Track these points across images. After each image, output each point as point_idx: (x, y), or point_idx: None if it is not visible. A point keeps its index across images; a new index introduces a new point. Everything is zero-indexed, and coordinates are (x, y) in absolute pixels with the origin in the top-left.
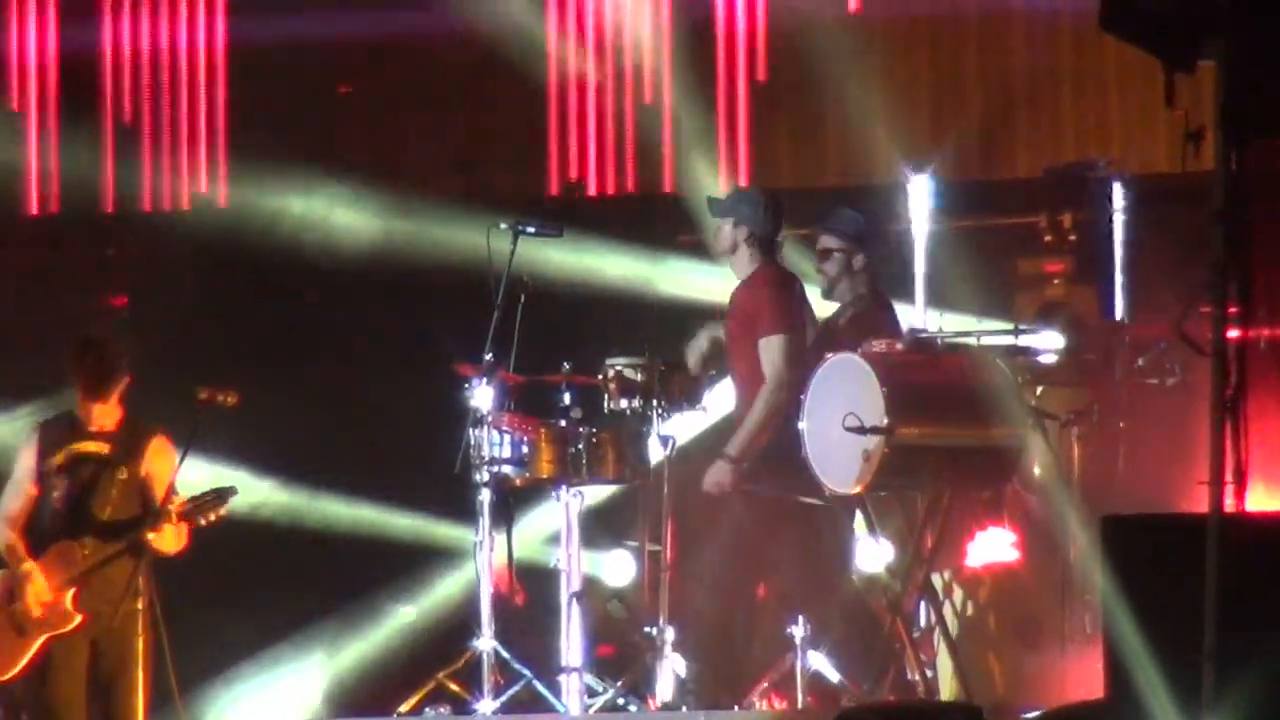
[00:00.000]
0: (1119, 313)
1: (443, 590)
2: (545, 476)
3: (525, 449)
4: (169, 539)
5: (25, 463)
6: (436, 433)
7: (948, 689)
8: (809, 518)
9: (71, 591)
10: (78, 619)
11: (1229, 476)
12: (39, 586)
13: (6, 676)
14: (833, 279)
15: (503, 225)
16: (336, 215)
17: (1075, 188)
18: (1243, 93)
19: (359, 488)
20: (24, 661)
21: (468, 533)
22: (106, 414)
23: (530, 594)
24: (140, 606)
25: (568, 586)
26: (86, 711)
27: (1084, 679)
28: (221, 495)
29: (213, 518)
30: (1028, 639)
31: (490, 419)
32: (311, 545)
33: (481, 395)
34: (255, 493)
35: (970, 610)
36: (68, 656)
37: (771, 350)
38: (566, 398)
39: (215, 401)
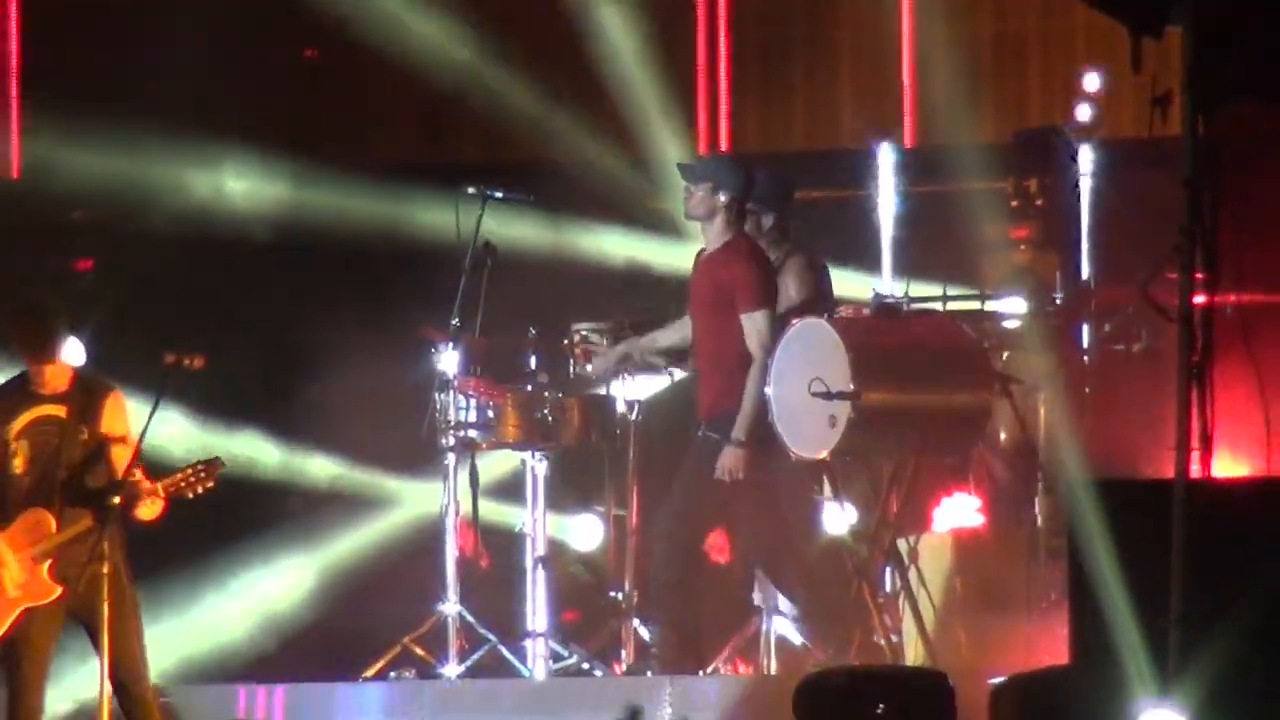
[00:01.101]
0: (1085, 278)
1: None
2: (511, 441)
3: (491, 414)
4: (149, 509)
5: None
6: (403, 397)
7: (913, 654)
8: (772, 482)
9: (48, 563)
10: (57, 591)
11: (1195, 442)
12: (11, 565)
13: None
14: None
15: (470, 190)
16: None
17: (1042, 153)
18: (1209, 58)
19: (326, 447)
20: (1, 631)
21: (434, 493)
22: (58, 375)
23: (495, 558)
24: (105, 570)
25: (533, 551)
26: (47, 672)
27: (1050, 644)
28: (210, 468)
29: (200, 490)
30: (993, 604)
31: (456, 383)
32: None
33: (448, 360)
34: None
35: (936, 575)
36: (42, 627)
37: (756, 324)
38: (533, 362)
39: (182, 365)
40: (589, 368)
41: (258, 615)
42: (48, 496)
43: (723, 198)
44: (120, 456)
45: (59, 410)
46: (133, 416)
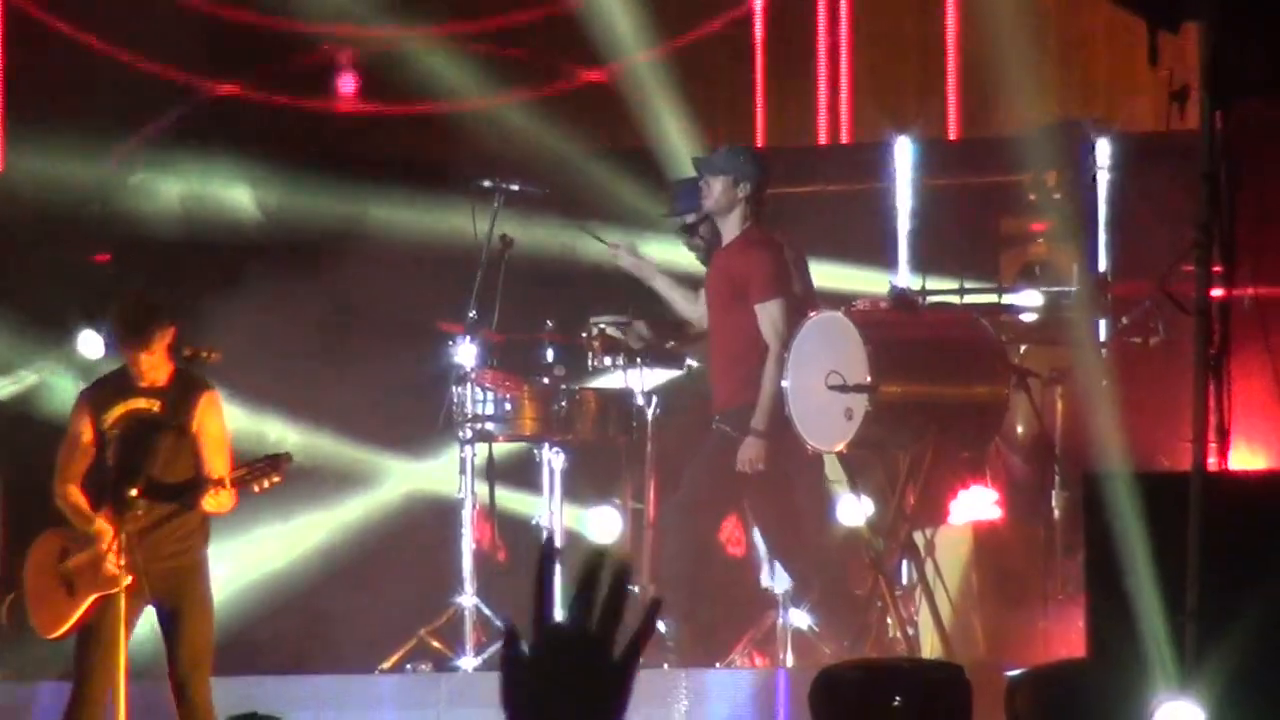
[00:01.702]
0: (1102, 271)
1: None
2: (528, 434)
3: (508, 406)
4: (223, 502)
5: (79, 425)
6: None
7: (929, 647)
8: (787, 474)
9: (119, 551)
10: (127, 580)
11: (1212, 434)
12: (106, 544)
13: (55, 635)
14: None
15: (486, 183)
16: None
17: (1060, 147)
18: (1227, 52)
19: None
20: (72, 621)
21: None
22: (156, 369)
23: (512, 551)
24: (183, 565)
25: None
26: (123, 662)
27: (1067, 637)
28: (276, 462)
29: (267, 484)
30: (1010, 597)
31: (473, 376)
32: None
33: (465, 353)
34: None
35: (952, 568)
36: (113, 617)
37: (770, 314)
38: (550, 355)
39: (199, 358)
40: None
41: (270, 603)
42: (131, 488)
43: (742, 190)
44: (213, 454)
45: (153, 404)
46: (226, 416)
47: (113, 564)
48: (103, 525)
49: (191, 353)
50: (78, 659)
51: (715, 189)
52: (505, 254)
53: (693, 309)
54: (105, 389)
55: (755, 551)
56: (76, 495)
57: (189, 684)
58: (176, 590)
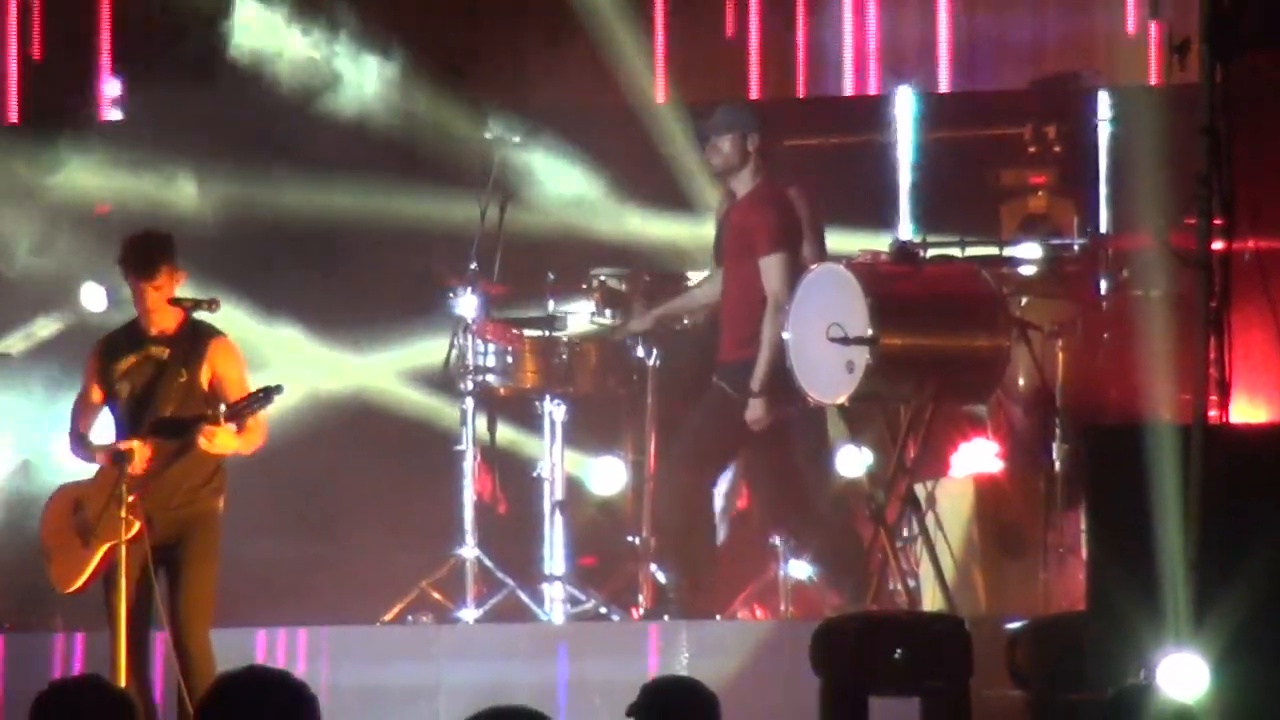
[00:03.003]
0: (1103, 225)
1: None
2: (529, 386)
3: (509, 359)
4: (223, 440)
5: (89, 376)
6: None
7: (930, 599)
8: (786, 427)
9: (130, 498)
10: (136, 526)
11: (1213, 387)
12: (111, 492)
13: (73, 588)
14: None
15: (489, 134)
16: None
17: (1061, 99)
18: (1228, 6)
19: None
20: (88, 572)
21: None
22: (167, 318)
23: (513, 503)
24: (213, 506)
25: (550, 495)
26: (148, 613)
27: (1067, 590)
28: (267, 393)
29: (261, 416)
30: (1011, 549)
31: (474, 328)
32: None
33: (466, 304)
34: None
35: (954, 521)
36: (132, 560)
37: (771, 269)
38: (551, 307)
39: (201, 307)
40: (630, 324)
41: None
42: (139, 434)
43: (751, 143)
44: (231, 398)
45: (162, 351)
46: (241, 362)
47: (119, 512)
48: (108, 470)
49: (192, 304)
50: (109, 610)
51: (724, 147)
52: (506, 205)
53: (713, 288)
54: (116, 340)
55: (760, 507)
56: (86, 440)
57: (186, 634)
58: (181, 539)
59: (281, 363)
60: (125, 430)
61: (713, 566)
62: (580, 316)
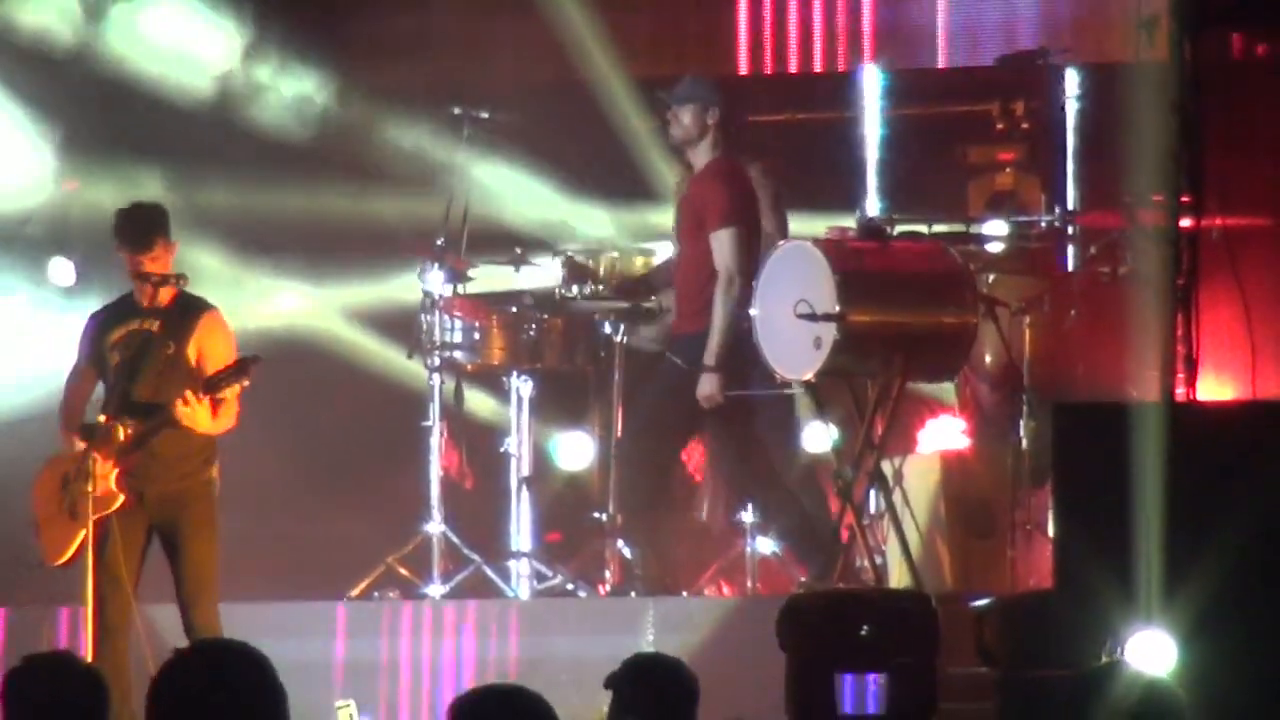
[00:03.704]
0: (1071, 201)
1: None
2: (496, 362)
3: (477, 334)
4: (199, 416)
5: (82, 347)
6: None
7: (897, 576)
8: (747, 403)
9: (115, 471)
10: (120, 499)
11: (1180, 365)
12: (92, 465)
13: (61, 561)
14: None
15: (456, 111)
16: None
17: (1028, 76)
18: None
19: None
20: (74, 545)
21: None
22: (160, 292)
23: (479, 478)
24: (204, 478)
25: (517, 471)
26: (134, 588)
27: (1034, 567)
28: (243, 365)
29: (237, 389)
30: (978, 526)
31: (441, 304)
32: None
33: (433, 280)
34: None
35: (921, 497)
36: (118, 533)
37: (721, 244)
38: (518, 283)
39: (167, 283)
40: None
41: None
42: (122, 408)
43: (711, 116)
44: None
45: (152, 324)
46: (230, 337)
47: (85, 487)
48: (81, 446)
49: (159, 278)
50: (93, 586)
51: (684, 119)
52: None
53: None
54: (110, 312)
55: (726, 483)
56: (71, 419)
57: (191, 610)
58: (176, 515)
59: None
60: (112, 402)
61: (676, 540)
62: (548, 271)
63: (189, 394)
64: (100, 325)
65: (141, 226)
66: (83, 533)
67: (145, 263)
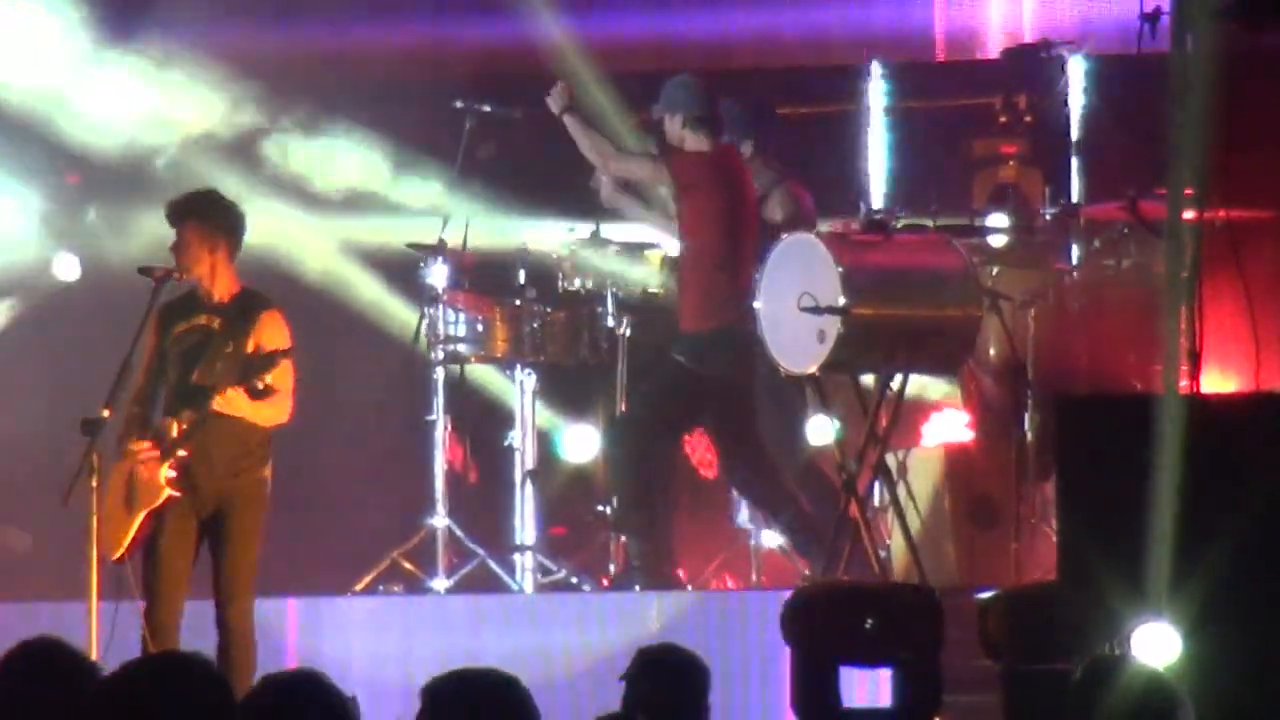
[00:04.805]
0: (1074, 194)
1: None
2: (499, 355)
3: (480, 327)
4: (238, 404)
5: (147, 340)
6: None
7: (901, 569)
8: (750, 399)
9: (165, 465)
10: (165, 494)
11: (1184, 357)
12: (149, 464)
13: (116, 556)
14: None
15: (459, 103)
16: None
17: (1032, 69)
18: None
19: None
20: (128, 539)
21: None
22: (224, 287)
23: (483, 472)
24: (258, 476)
25: (521, 465)
26: (185, 584)
27: (1038, 560)
28: (271, 356)
29: (268, 379)
30: (982, 519)
31: (445, 297)
32: None
33: (436, 273)
34: None
35: (925, 490)
36: (171, 529)
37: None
38: (522, 276)
39: (170, 277)
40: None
41: None
42: (181, 404)
43: (679, 120)
44: (279, 372)
45: (213, 322)
46: (286, 336)
47: (155, 476)
48: (131, 447)
49: (164, 272)
50: (144, 583)
51: (666, 125)
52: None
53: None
54: (175, 305)
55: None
56: (132, 410)
57: (225, 608)
58: (224, 511)
59: None
60: (169, 397)
61: (671, 529)
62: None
63: (221, 390)
64: (165, 319)
65: (168, 213)
66: (134, 526)
67: (173, 250)
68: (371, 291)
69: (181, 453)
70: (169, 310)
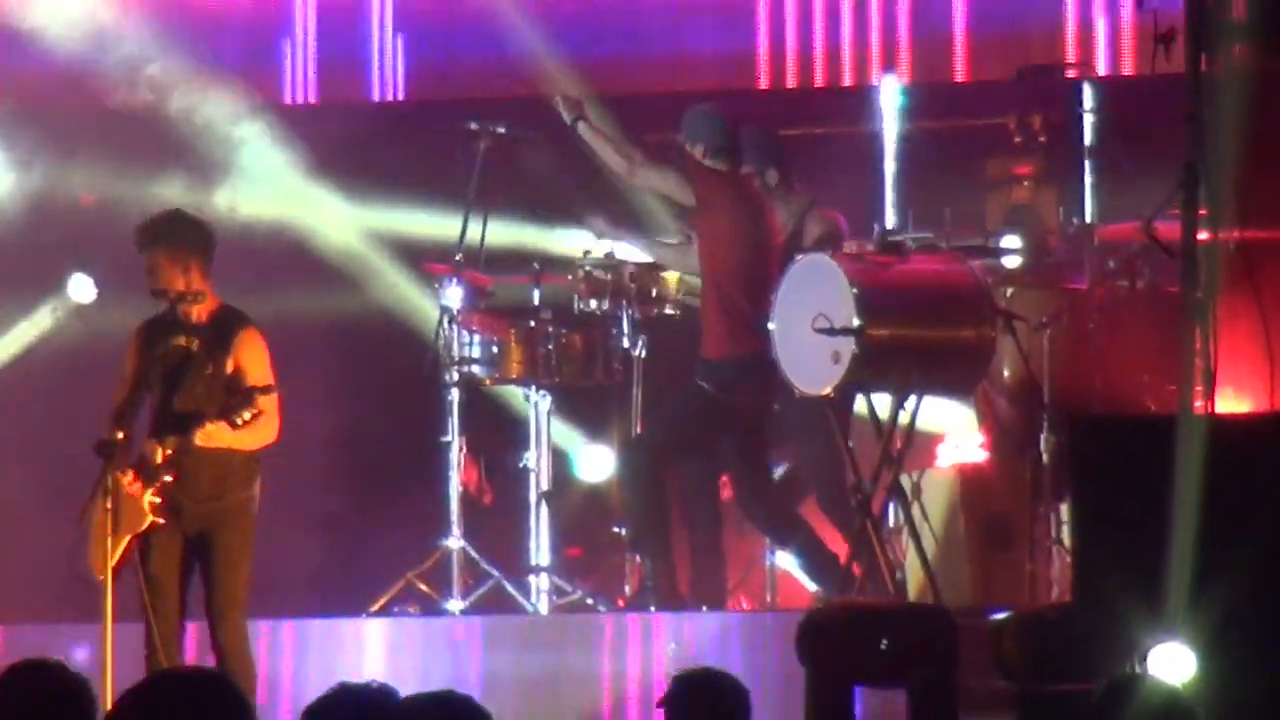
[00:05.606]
0: (1088, 215)
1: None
2: (515, 377)
3: (495, 349)
4: (221, 438)
5: (127, 361)
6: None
7: (916, 589)
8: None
9: (150, 490)
10: (149, 519)
11: (1199, 378)
12: (131, 489)
13: (102, 577)
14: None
15: (473, 125)
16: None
17: (1045, 89)
18: None
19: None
20: (113, 562)
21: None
22: (202, 307)
23: (498, 493)
24: (244, 497)
25: (536, 486)
26: (180, 602)
27: (1052, 580)
28: (249, 394)
29: (247, 416)
30: (997, 540)
31: (460, 318)
32: None
33: (452, 295)
34: None
35: (939, 511)
36: (159, 548)
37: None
38: (536, 297)
39: (184, 299)
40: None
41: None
42: (163, 427)
43: (699, 151)
44: (261, 400)
45: (192, 343)
46: (264, 354)
47: (105, 503)
48: (116, 472)
49: (176, 294)
50: (141, 603)
51: (688, 153)
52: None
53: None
54: (155, 326)
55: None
56: (115, 434)
57: (217, 627)
58: (211, 531)
59: None
60: (152, 419)
61: (687, 554)
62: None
63: (207, 424)
64: (145, 340)
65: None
66: (119, 549)
67: (146, 276)
68: (391, 295)
69: (167, 478)
70: (149, 329)
